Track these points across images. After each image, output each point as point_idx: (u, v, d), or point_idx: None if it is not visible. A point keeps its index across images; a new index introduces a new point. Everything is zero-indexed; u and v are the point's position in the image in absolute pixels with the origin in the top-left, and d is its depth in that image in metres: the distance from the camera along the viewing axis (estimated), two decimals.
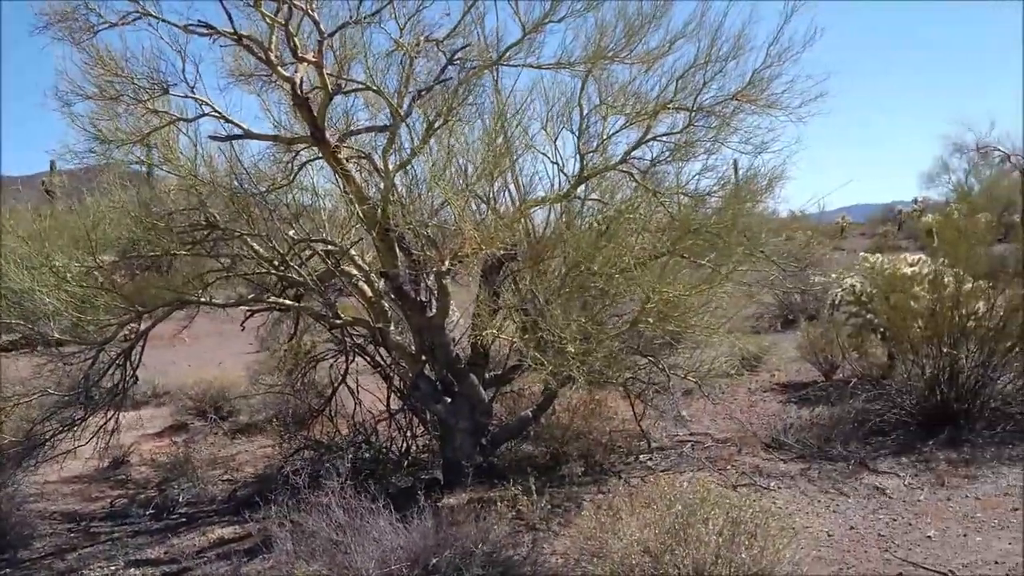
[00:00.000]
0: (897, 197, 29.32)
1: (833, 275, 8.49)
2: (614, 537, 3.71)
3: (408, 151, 5.30)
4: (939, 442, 6.28)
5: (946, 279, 6.73)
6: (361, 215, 5.20)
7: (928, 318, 6.66)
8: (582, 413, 6.31)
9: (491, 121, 5.31)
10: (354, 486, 4.63)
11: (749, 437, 6.65)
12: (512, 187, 5.97)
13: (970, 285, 6.54)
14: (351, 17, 5.17)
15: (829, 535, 4.88)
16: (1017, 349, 6.47)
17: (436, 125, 5.15)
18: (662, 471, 6.00)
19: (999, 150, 20.05)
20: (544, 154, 6.17)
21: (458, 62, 5.15)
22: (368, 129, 5.28)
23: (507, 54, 5.35)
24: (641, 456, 6.34)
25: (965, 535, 4.78)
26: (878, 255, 7.88)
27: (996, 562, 4.39)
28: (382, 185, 5.35)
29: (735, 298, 5.98)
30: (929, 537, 4.77)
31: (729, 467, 6.04)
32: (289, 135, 5.71)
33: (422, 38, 5.32)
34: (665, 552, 3.62)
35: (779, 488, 5.64)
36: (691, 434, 7.05)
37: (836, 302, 8.40)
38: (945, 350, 6.54)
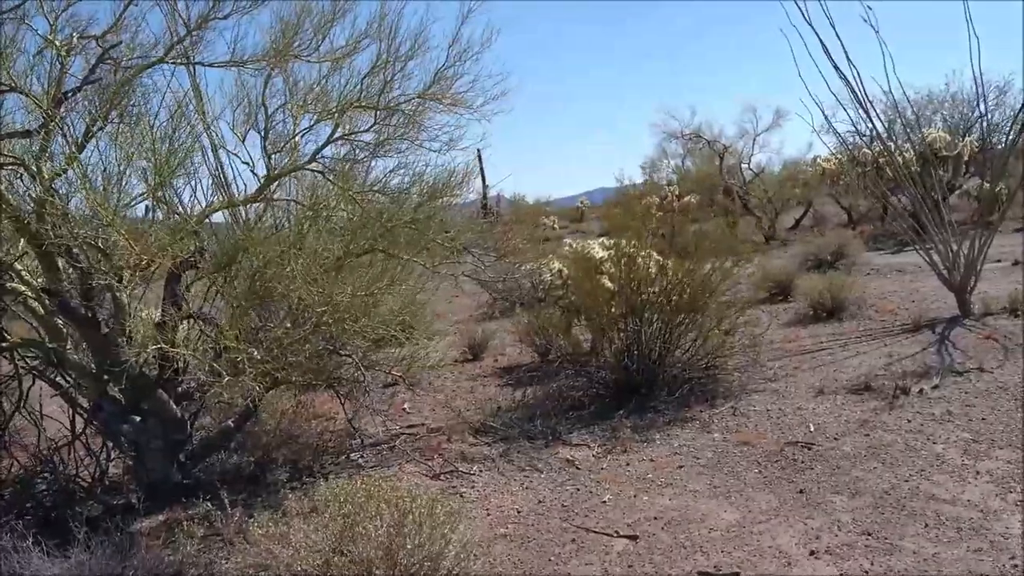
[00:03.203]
0: (632, 180, 31.70)
1: (541, 261, 8.96)
2: (281, 545, 3.68)
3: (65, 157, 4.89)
4: (628, 411, 6.84)
5: (637, 260, 7.33)
6: (10, 227, 4.75)
7: (617, 297, 7.24)
8: (288, 417, 6.21)
9: (160, 123, 5.06)
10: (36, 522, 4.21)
11: (460, 424, 6.85)
12: (196, 191, 5.79)
13: (650, 264, 7.17)
14: None
15: (519, 511, 5.14)
16: (688, 321, 7.18)
17: (95, 128, 4.83)
18: (371, 467, 6.03)
19: (702, 137, 22.26)
20: (235, 155, 6.06)
21: (110, 60, 4.82)
22: (11, 134, 4.80)
23: (172, 51, 5.09)
24: (352, 455, 6.34)
25: (635, 496, 5.23)
26: (570, 241, 8.42)
27: (655, 517, 4.84)
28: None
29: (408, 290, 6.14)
30: (605, 502, 5.17)
31: (436, 456, 6.18)
32: None
33: (75, 35, 4.94)
34: (334, 554, 3.65)
35: (480, 472, 5.86)
36: (408, 426, 7.15)
37: (546, 287, 8.89)
38: (630, 326, 7.15)
